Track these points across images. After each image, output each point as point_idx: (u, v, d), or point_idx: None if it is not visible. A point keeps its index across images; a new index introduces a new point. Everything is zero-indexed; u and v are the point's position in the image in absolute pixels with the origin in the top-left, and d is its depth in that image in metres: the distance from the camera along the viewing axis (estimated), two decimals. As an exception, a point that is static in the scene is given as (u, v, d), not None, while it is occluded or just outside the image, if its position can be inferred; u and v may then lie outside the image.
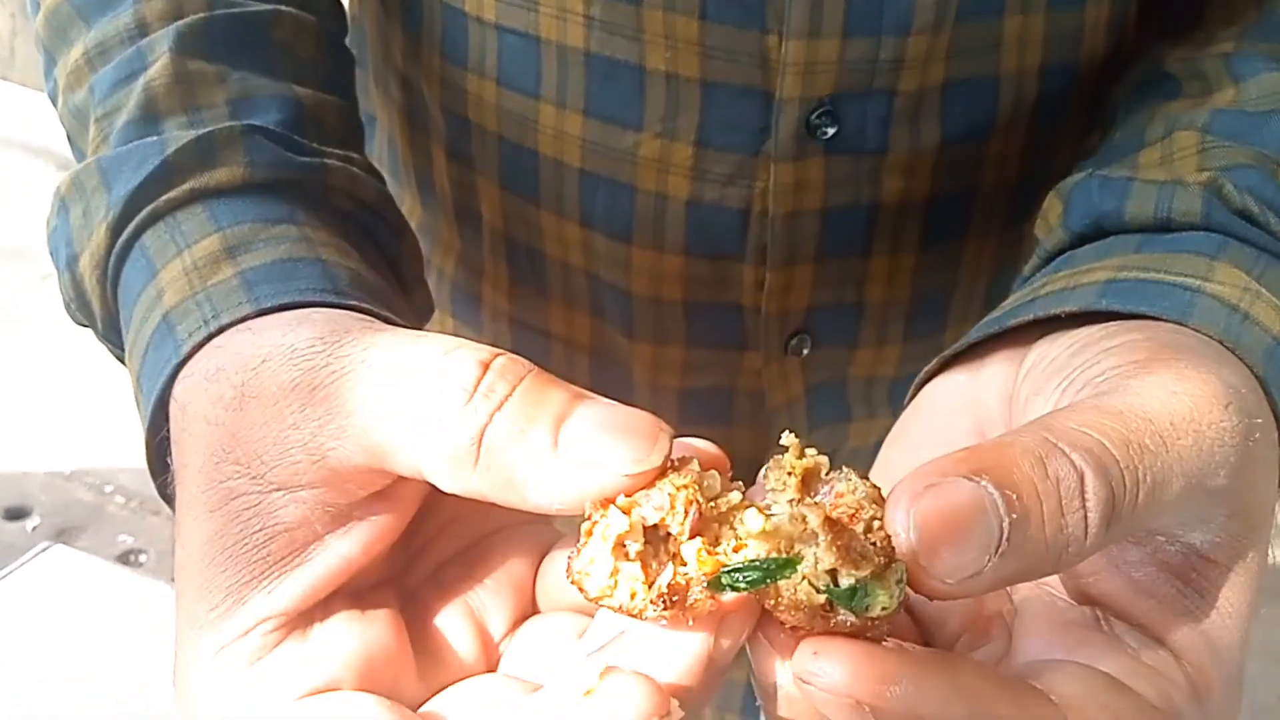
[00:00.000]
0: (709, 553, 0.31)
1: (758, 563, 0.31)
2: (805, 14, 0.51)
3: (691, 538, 0.32)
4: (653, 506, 0.32)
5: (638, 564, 0.32)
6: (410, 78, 0.65)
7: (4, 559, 1.30)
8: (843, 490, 0.33)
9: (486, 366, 0.32)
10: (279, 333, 0.37)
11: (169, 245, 0.44)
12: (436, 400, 0.32)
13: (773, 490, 0.33)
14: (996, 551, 0.30)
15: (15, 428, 2.76)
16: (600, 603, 0.32)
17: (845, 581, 0.31)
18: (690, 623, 0.32)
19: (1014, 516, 0.30)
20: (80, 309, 0.49)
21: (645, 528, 0.32)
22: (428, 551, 0.40)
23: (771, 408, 0.66)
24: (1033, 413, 0.38)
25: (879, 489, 0.32)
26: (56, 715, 1.10)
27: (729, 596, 0.31)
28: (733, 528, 0.32)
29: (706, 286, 0.62)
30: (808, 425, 0.68)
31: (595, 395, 0.33)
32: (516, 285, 0.67)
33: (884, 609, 0.31)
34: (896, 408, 0.47)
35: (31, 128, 4.24)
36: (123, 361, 0.49)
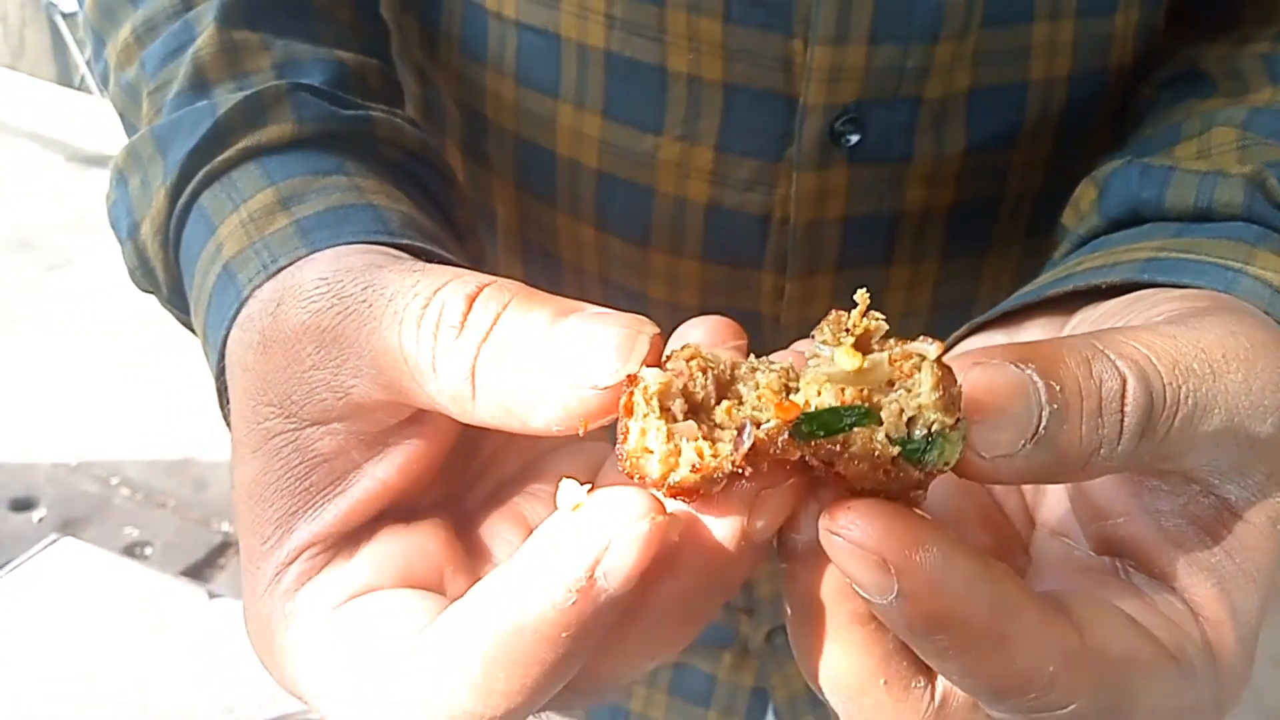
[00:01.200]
0: (785, 400, 0.31)
1: (842, 409, 0.30)
2: (832, 19, 0.51)
3: (717, 403, 0.31)
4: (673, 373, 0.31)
5: (692, 422, 0.31)
6: (427, 72, 0.65)
7: (11, 550, 1.30)
8: (896, 356, 0.32)
9: (473, 300, 0.33)
10: (291, 275, 0.38)
11: (225, 202, 0.45)
12: (432, 340, 0.32)
13: (825, 343, 0.32)
14: (1032, 438, 0.30)
15: (22, 419, 2.77)
16: (668, 481, 0.30)
17: (917, 435, 0.30)
18: (765, 468, 0.31)
19: (1054, 406, 0.30)
20: (144, 276, 0.50)
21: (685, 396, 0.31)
22: (486, 473, 0.41)
23: None
24: None
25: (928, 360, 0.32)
26: (64, 705, 1.10)
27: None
28: (783, 382, 0.31)
29: (724, 293, 0.61)
30: None
31: (583, 305, 0.33)
32: (531, 286, 0.67)
33: (946, 463, 0.30)
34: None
35: (40, 118, 4.25)
36: (187, 326, 0.51)
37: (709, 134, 0.55)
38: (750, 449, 0.30)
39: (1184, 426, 0.31)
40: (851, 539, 0.29)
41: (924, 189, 0.57)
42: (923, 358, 0.30)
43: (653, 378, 0.31)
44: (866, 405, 0.30)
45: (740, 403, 0.31)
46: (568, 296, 0.69)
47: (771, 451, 0.30)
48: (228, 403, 0.40)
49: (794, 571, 0.33)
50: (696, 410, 0.31)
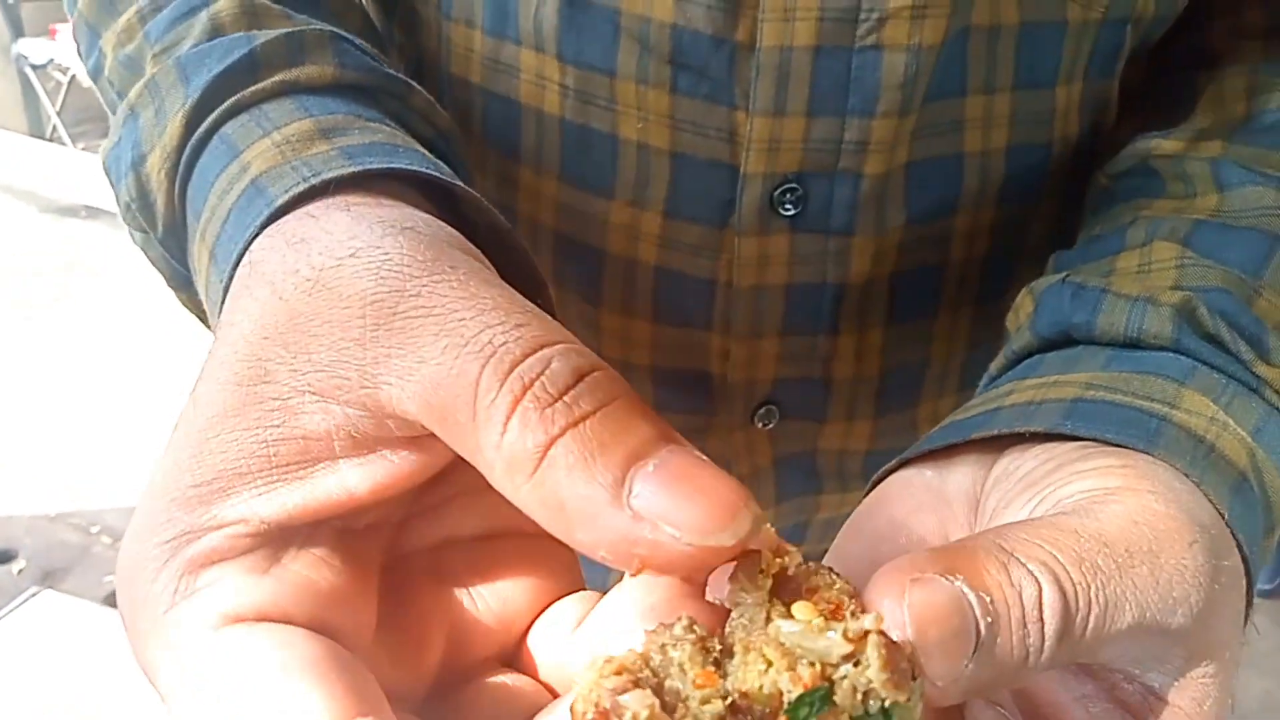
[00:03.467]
0: (769, 685, 0.28)
1: (806, 694, 0.28)
2: (770, 93, 0.52)
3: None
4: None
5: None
6: None
7: (-7, 604, 1.30)
8: (817, 585, 0.30)
9: (582, 375, 0.29)
10: (379, 230, 0.33)
11: (254, 129, 0.40)
12: (516, 394, 0.28)
13: (743, 591, 0.30)
14: (974, 654, 0.29)
15: (0, 470, 2.75)
16: None
17: (873, 705, 0.28)
18: None
19: (989, 620, 0.29)
20: (141, 210, 0.44)
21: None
22: (436, 517, 0.36)
23: (738, 477, 0.65)
24: (999, 524, 0.37)
25: (850, 584, 0.30)
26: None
27: None
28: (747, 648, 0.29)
29: (674, 353, 0.62)
30: (775, 496, 0.68)
31: (685, 442, 0.29)
32: None
33: None
34: (869, 480, 0.46)
35: (12, 170, 4.24)
36: (169, 276, 0.47)
37: (657, 200, 0.57)
38: None
39: (1098, 626, 0.31)
40: None
41: (868, 260, 0.58)
42: (866, 633, 0.28)
43: (638, 703, 0.27)
44: (827, 687, 0.28)
45: (682, 701, 0.28)
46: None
47: None
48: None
49: None
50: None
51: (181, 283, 0.47)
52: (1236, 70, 0.56)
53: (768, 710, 0.28)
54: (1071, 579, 0.31)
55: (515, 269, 0.41)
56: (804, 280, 0.59)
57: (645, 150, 0.56)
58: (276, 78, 0.42)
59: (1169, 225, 0.50)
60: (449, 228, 0.35)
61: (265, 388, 0.31)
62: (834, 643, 0.28)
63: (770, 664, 0.28)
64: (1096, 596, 0.31)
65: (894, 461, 0.44)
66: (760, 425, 0.64)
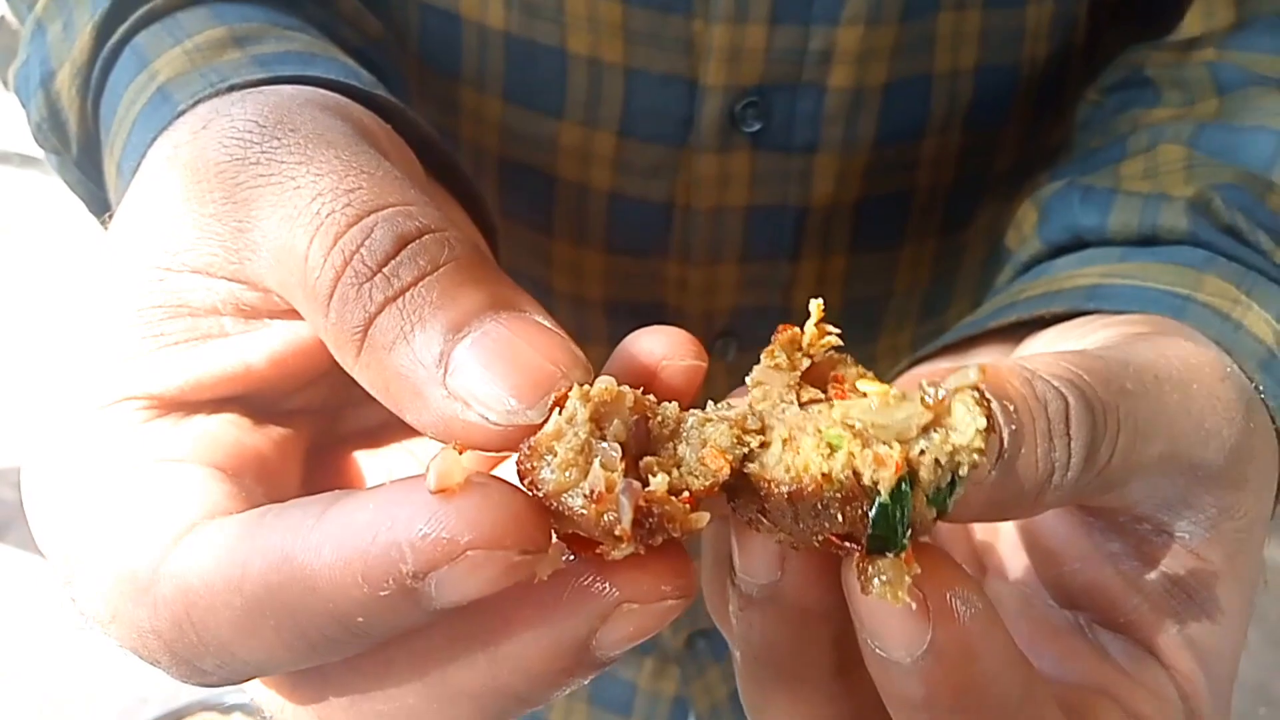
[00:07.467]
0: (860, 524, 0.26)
1: (896, 516, 0.26)
2: None
3: (639, 457, 0.27)
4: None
5: (617, 450, 0.25)
6: None
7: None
8: (843, 375, 0.28)
9: (405, 242, 0.27)
10: (229, 100, 0.33)
11: (165, 39, 0.39)
12: (337, 269, 0.27)
13: (776, 367, 0.28)
14: (996, 461, 0.28)
15: (-66, 427, 2.68)
16: (558, 500, 0.25)
17: (944, 480, 0.26)
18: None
19: (1012, 427, 0.28)
20: (53, 129, 0.44)
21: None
22: (371, 404, 0.33)
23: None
24: None
25: (871, 372, 0.29)
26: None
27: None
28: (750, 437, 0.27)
29: (629, 284, 0.60)
30: None
31: (519, 305, 0.28)
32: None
33: (957, 501, 0.27)
34: None
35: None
36: (88, 200, 0.46)
37: (610, 119, 0.55)
38: (642, 518, 0.25)
39: (1126, 450, 0.30)
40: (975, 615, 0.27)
41: (832, 181, 0.57)
42: (958, 390, 0.26)
43: (601, 385, 0.26)
44: (907, 475, 0.26)
45: (677, 466, 0.27)
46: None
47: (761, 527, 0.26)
48: None
49: (749, 619, 0.30)
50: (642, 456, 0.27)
51: (100, 207, 0.46)
52: None
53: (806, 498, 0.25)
54: (1099, 397, 0.30)
55: (448, 179, 0.41)
56: (765, 202, 0.57)
57: (596, 65, 0.53)
58: None
59: (1172, 129, 0.49)
60: (321, 90, 0.34)
61: (142, 271, 0.31)
62: (914, 412, 0.26)
63: (834, 448, 0.26)
64: (1126, 417, 0.30)
65: (906, 361, 0.44)
66: (718, 359, 0.63)
